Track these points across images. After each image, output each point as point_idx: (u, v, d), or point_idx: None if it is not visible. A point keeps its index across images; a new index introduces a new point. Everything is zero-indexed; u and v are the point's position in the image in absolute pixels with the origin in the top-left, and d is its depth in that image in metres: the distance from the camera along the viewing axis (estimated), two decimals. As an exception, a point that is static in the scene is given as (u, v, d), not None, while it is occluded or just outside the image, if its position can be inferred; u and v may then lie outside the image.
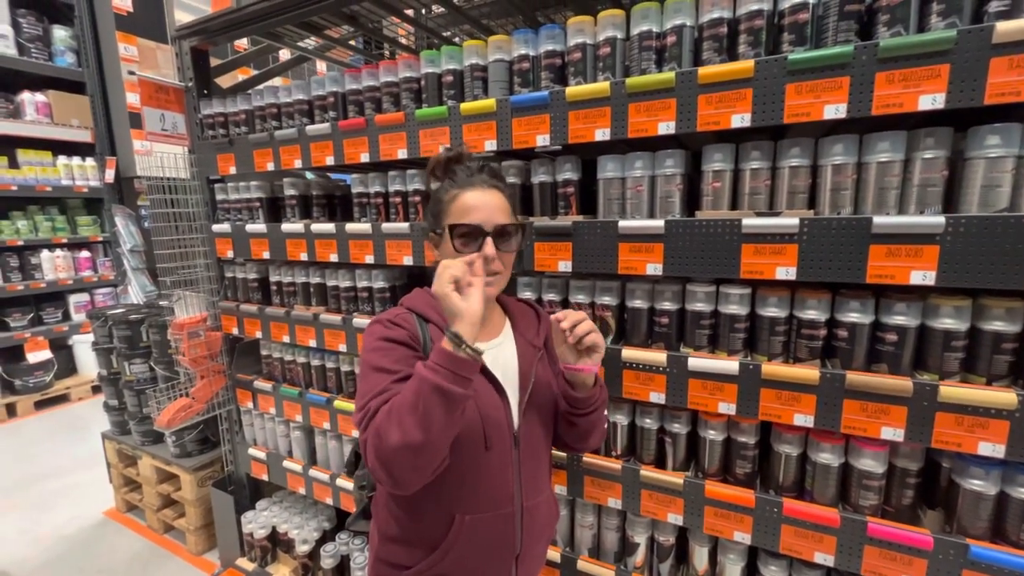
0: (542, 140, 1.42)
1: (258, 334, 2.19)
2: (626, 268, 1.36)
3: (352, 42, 2.71)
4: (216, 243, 2.24)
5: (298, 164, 1.91)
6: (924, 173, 1.08)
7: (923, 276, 1.06)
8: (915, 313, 1.12)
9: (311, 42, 2.60)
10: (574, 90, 1.34)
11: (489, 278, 1.03)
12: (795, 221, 1.15)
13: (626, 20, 1.32)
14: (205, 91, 2.25)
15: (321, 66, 6.09)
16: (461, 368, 0.84)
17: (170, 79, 2.17)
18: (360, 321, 1.87)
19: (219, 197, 2.24)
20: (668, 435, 1.44)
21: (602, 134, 1.34)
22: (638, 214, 1.37)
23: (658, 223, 1.29)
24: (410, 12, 2.26)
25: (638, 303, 1.41)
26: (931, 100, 1.02)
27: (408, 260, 1.72)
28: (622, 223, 1.34)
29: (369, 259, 1.80)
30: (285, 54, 4.28)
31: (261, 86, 2.27)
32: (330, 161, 1.83)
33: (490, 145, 1.50)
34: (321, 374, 2.11)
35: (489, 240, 1.01)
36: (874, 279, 1.11)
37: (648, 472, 1.43)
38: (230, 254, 2.20)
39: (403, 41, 2.95)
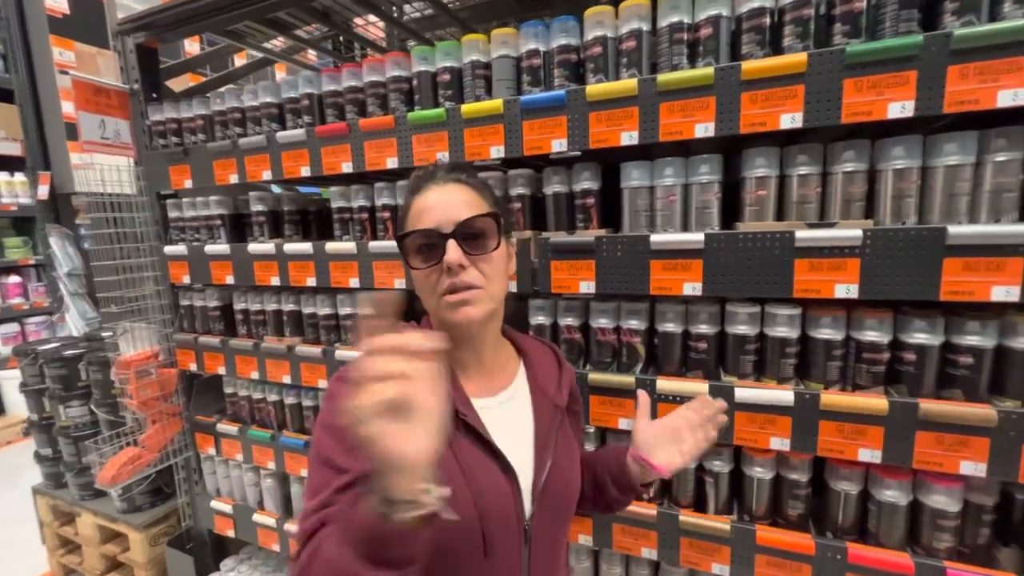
0: (558, 145, 1.25)
1: (221, 370, 1.91)
2: (659, 288, 1.20)
3: (318, 44, 2.49)
4: (169, 267, 1.95)
5: (267, 176, 1.67)
6: (997, 178, 0.98)
7: (1006, 292, 0.95)
8: (992, 333, 1.01)
9: (272, 44, 2.37)
10: (596, 88, 1.19)
11: (464, 294, 0.77)
12: (858, 232, 1.02)
13: (652, 10, 1.18)
14: (154, 95, 1.98)
15: (280, 73, 5.77)
16: (388, 545, 0.53)
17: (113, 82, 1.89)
18: (344, 353, 1.63)
19: (172, 215, 1.96)
20: (709, 474, 1.28)
21: (629, 137, 1.18)
22: (670, 227, 1.21)
23: (697, 237, 1.14)
24: (384, 10, 2.07)
25: (670, 327, 1.26)
26: (1012, 96, 0.91)
27: (400, 283, 1.51)
28: (655, 237, 1.18)
29: (354, 283, 1.58)
30: (239, 60, 3.99)
31: (221, 89, 2.02)
32: (306, 172, 1.60)
33: (497, 151, 1.32)
34: (297, 413, 1.85)
35: (451, 243, 0.76)
36: (949, 296, 0.98)
37: (688, 517, 1.26)
38: (186, 279, 1.92)
39: (376, 43, 2.75)
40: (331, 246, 1.59)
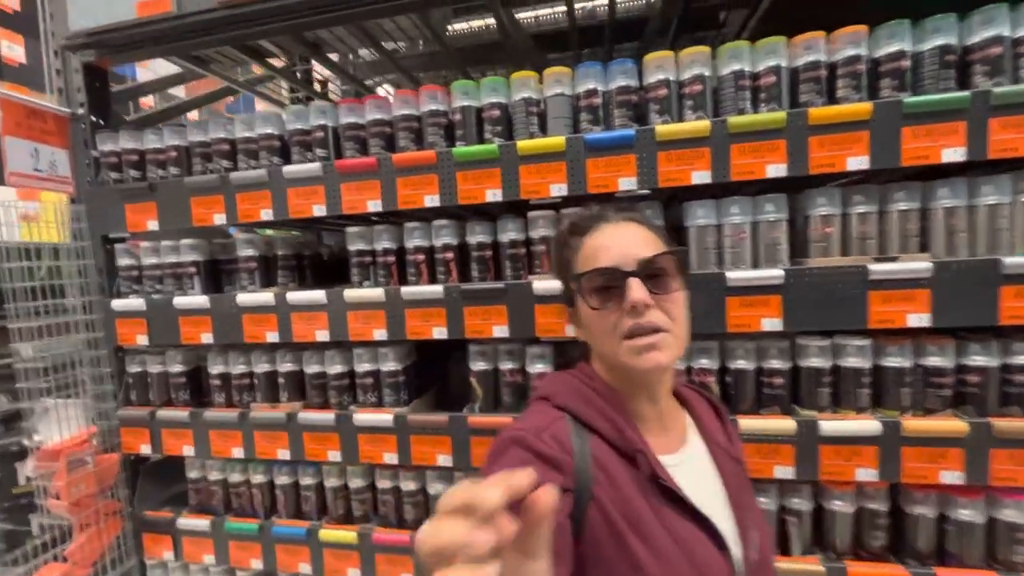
0: (626, 184, 1.23)
1: (187, 450, 1.56)
2: (737, 325, 1.19)
3: (288, 73, 2.31)
4: (117, 326, 1.59)
5: (267, 215, 1.45)
6: (1027, 214, 1.11)
7: (1055, 315, 1.06)
8: (1040, 352, 1.12)
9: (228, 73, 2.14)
10: (666, 128, 1.19)
11: (651, 338, 0.71)
12: (927, 265, 1.10)
13: (711, 58, 1.23)
14: (102, 121, 1.67)
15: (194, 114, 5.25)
16: None
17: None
18: (364, 417, 1.41)
19: (123, 262, 1.62)
20: (791, 514, 1.25)
21: (700, 177, 1.20)
22: (741, 264, 1.22)
23: (776, 273, 1.16)
24: (386, 46, 1.98)
25: (742, 364, 1.25)
26: (1043, 145, 1.05)
27: (441, 332, 1.35)
28: (731, 275, 1.18)
29: (379, 334, 1.39)
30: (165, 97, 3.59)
31: (168, 121, 1.77)
32: (319, 211, 1.41)
33: (557, 190, 1.27)
34: (293, 495, 1.55)
35: (635, 282, 0.71)
36: (1008, 320, 1.08)
37: (779, 563, 1.21)
38: (141, 339, 1.57)
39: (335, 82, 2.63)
40: (352, 294, 1.39)
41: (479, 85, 1.34)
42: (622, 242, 0.77)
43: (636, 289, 0.71)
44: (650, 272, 0.73)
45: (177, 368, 1.59)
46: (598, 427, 0.75)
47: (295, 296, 1.43)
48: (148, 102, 4.02)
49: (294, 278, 1.60)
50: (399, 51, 2.36)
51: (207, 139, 1.52)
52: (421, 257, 1.40)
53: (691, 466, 0.78)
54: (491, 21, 2.14)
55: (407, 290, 1.36)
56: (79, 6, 1.51)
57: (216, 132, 1.51)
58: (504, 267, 1.36)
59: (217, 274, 1.62)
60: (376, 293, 1.38)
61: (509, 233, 1.35)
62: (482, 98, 1.34)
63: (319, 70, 2.60)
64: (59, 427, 1.54)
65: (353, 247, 1.45)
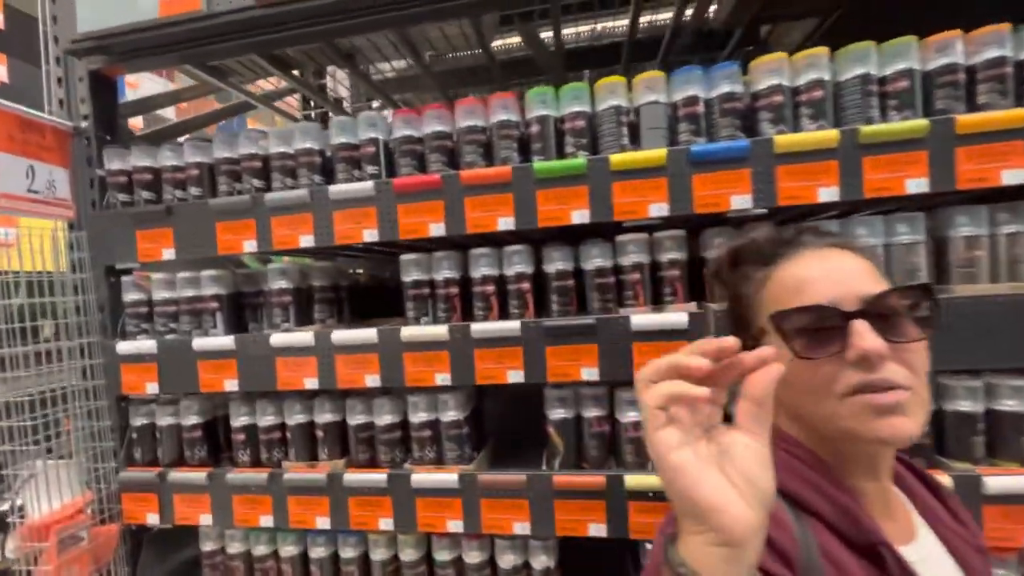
0: (739, 202, 1.07)
1: (204, 518, 1.32)
2: (877, 365, 1.02)
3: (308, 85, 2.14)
4: (122, 371, 1.35)
5: (307, 241, 1.25)
6: None
7: None
8: None
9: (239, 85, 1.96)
10: (787, 139, 1.04)
11: (893, 395, 0.55)
12: (1107, 293, 0.95)
13: (829, 61, 1.09)
14: (108, 137, 1.46)
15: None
16: None
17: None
18: (424, 477, 1.20)
19: (131, 298, 1.39)
20: (944, 587, 1.06)
21: (828, 194, 1.04)
22: (874, 293, 1.06)
23: (923, 304, 1.00)
24: (423, 55, 1.82)
25: (875, 408, 1.07)
26: None
27: (516, 376, 1.16)
28: (870, 306, 1.01)
29: (442, 378, 1.19)
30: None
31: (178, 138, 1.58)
32: (370, 236, 1.22)
33: (657, 210, 1.10)
34: (331, 570, 1.31)
35: (862, 326, 0.55)
36: None
37: (938, 650, 1.01)
38: (151, 388, 1.34)
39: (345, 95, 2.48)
40: (410, 332, 1.19)
41: (558, 93, 1.18)
42: (836, 275, 0.61)
43: (867, 335, 0.55)
44: (880, 313, 0.57)
45: (192, 420, 1.36)
46: (821, 511, 0.59)
47: (341, 336, 1.22)
48: (137, 124, 3.79)
49: (332, 313, 1.40)
50: (414, 67, 2.22)
51: (235, 155, 1.32)
52: (490, 288, 1.21)
53: (934, 563, 0.61)
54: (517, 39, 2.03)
55: (478, 327, 1.16)
56: (80, 10, 1.32)
57: (246, 147, 1.31)
58: (590, 299, 1.18)
59: (241, 310, 1.40)
60: (439, 331, 1.18)
61: (595, 260, 1.17)
62: (562, 107, 1.18)
63: (331, 87, 2.45)
64: (48, 495, 1.29)
65: (408, 277, 1.26)
